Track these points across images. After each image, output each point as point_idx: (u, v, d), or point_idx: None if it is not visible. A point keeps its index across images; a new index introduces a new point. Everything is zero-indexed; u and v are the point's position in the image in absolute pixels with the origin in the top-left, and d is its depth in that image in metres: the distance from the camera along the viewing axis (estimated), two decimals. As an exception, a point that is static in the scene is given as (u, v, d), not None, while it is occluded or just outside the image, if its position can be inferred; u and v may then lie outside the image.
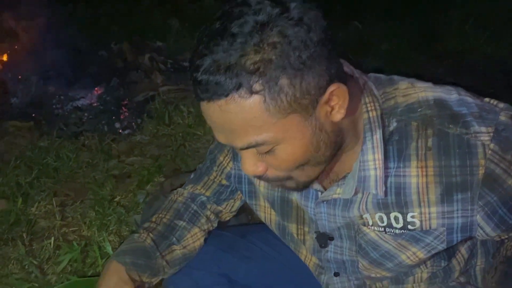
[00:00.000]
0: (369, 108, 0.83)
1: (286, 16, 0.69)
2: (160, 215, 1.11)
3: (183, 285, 1.10)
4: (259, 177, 0.84)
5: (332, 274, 1.03)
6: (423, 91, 0.84)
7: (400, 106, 0.84)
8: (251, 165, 0.79)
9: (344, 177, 0.87)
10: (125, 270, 1.00)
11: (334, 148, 0.81)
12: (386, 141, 0.83)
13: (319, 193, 0.92)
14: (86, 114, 2.54)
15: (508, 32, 3.36)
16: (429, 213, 0.84)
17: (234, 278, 1.13)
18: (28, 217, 1.86)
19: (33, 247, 1.73)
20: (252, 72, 0.68)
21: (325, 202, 0.92)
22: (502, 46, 3.32)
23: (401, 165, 0.83)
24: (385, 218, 0.88)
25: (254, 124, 0.72)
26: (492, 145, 0.78)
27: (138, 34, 3.38)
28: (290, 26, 0.69)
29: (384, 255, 0.92)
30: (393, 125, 0.83)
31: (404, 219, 0.86)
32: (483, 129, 0.79)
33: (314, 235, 0.98)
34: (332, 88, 0.73)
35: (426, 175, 0.82)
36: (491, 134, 0.78)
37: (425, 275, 0.98)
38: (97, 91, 2.68)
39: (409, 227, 0.86)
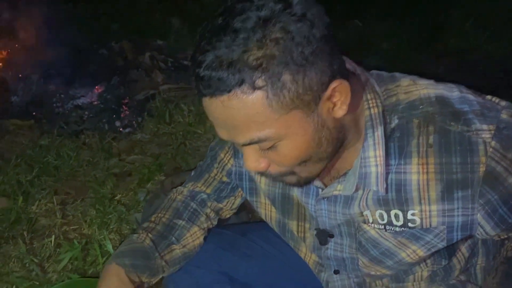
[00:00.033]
0: (371, 105, 0.83)
1: (289, 12, 0.69)
2: (159, 215, 1.11)
3: (183, 284, 1.10)
4: (261, 174, 0.84)
5: (332, 272, 1.03)
6: (425, 88, 0.84)
7: (402, 103, 0.84)
8: (253, 161, 0.79)
9: (345, 174, 0.87)
10: (125, 272, 1.00)
11: (336, 144, 0.81)
12: (387, 138, 0.83)
13: (320, 190, 0.92)
14: (86, 113, 2.54)
15: (509, 31, 3.35)
16: (430, 211, 0.84)
17: (234, 276, 1.13)
18: (28, 215, 1.86)
19: (34, 245, 1.73)
20: (255, 68, 0.68)
21: (325, 199, 0.92)
22: (503, 45, 3.32)
23: (402, 162, 0.83)
24: (385, 216, 0.88)
25: (256, 120, 0.72)
26: (493, 143, 0.78)
27: (139, 33, 3.37)
28: (293, 22, 0.69)
29: (384, 253, 0.92)
30: (395, 122, 0.83)
31: (405, 216, 0.86)
32: (485, 126, 0.79)
33: (314, 232, 0.98)
34: (334, 84, 0.73)
35: (427, 172, 0.82)
36: (493, 131, 0.78)
37: (425, 274, 0.98)
38: (98, 89, 2.68)
39: (410, 224, 0.86)
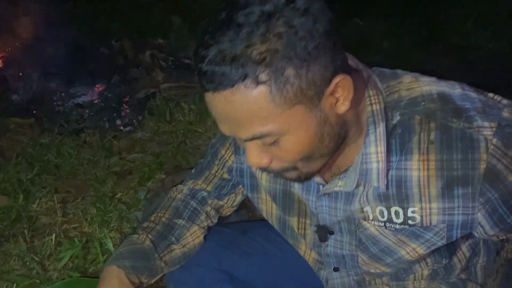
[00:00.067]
0: (373, 101, 0.83)
1: (292, 6, 0.69)
2: (159, 214, 1.11)
3: (184, 282, 1.10)
4: (263, 169, 0.84)
5: (332, 269, 1.03)
6: (427, 85, 0.84)
7: (404, 100, 0.84)
8: (255, 157, 0.79)
9: (346, 170, 0.87)
10: (125, 274, 1.00)
11: (338, 140, 0.80)
12: (389, 134, 0.83)
13: (321, 186, 0.92)
14: (87, 111, 2.54)
15: (509, 30, 3.35)
16: (430, 208, 0.84)
17: (235, 275, 1.13)
18: (29, 214, 1.86)
19: (34, 244, 1.73)
20: (258, 62, 0.68)
21: (326, 196, 0.92)
22: (503, 44, 3.32)
23: (403, 158, 0.83)
24: (385, 213, 0.88)
25: (259, 115, 0.72)
26: (494, 140, 0.78)
27: (139, 31, 3.37)
28: (296, 16, 0.69)
29: (383, 250, 0.92)
30: (396, 118, 0.83)
31: (405, 214, 0.86)
32: (486, 124, 0.79)
33: (315, 229, 0.98)
34: (337, 79, 0.73)
35: (428, 169, 0.82)
36: (494, 129, 0.78)
37: (426, 273, 0.98)
38: (98, 88, 2.67)
39: (410, 222, 0.86)
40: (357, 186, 0.86)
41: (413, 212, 0.85)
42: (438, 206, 0.83)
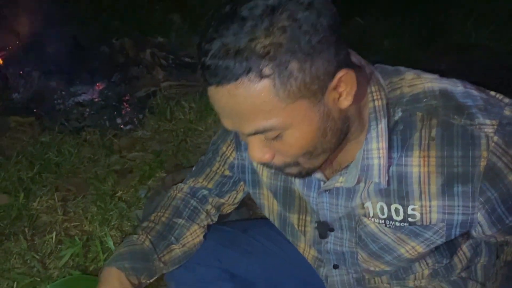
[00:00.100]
0: (375, 97, 0.83)
1: (296, 0, 0.69)
2: (159, 214, 1.10)
3: (185, 280, 1.10)
4: (265, 164, 0.84)
5: (331, 266, 1.03)
6: (429, 82, 0.84)
7: (406, 96, 0.84)
8: (258, 152, 0.79)
9: (347, 167, 0.87)
10: (125, 275, 1.00)
11: (340, 136, 0.81)
12: (390, 130, 0.83)
13: (322, 182, 0.92)
14: (87, 110, 2.54)
15: (510, 29, 3.35)
16: (430, 206, 0.84)
17: (235, 273, 1.13)
18: (30, 212, 1.86)
19: (35, 242, 1.73)
20: (262, 56, 0.68)
21: (327, 192, 0.92)
22: (504, 43, 3.32)
23: (404, 154, 0.83)
24: (385, 210, 0.88)
25: (263, 109, 0.72)
26: (495, 138, 0.78)
27: (140, 30, 3.37)
28: (300, 10, 0.69)
29: (383, 248, 0.92)
30: (398, 114, 0.83)
31: (405, 211, 0.86)
32: (488, 121, 0.79)
33: (315, 225, 0.98)
34: (340, 74, 0.73)
35: (428, 165, 0.82)
36: (495, 127, 0.78)
37: (426, 272, 0.99)
38: (99, 86, 2.68)
39: (410, 220, 0.86)
40: (358, 182, 0.86)
41: (413, 209, 0.85)
42: (438, 204, 0.83)
